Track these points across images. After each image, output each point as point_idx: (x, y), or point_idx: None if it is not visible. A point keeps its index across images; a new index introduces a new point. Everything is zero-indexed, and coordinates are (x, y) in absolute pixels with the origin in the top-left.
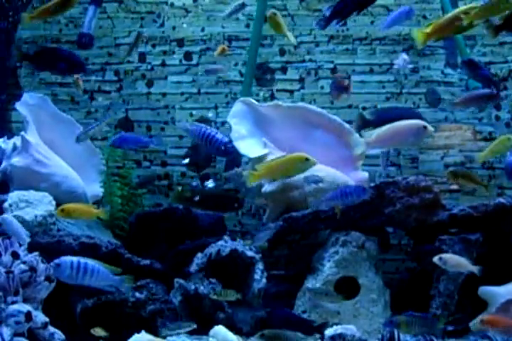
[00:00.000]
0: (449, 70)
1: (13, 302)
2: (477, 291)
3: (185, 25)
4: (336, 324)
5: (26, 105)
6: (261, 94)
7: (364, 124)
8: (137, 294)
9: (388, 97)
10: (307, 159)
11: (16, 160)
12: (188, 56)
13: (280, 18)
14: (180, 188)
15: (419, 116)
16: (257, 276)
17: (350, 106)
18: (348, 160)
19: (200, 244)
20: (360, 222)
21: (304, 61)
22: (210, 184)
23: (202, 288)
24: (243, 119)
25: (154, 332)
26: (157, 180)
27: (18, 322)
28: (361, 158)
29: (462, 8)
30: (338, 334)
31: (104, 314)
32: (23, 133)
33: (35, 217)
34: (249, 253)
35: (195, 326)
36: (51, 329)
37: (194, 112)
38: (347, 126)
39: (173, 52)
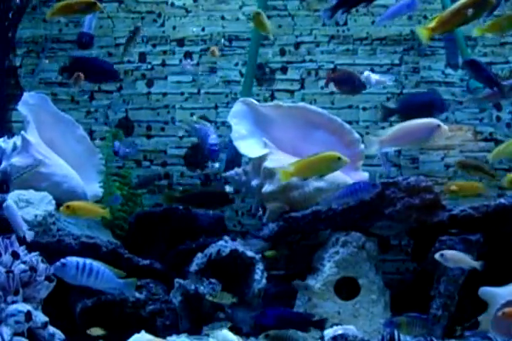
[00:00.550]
0: (449, 71)
1: (13, 302)
2: (477, 292)
3: (193, 29)
4: (336, 324)
5: (26, 105)
6: (261, 94)
7: (389, 113)
8: (137, 294)
9: (389, 97)
10: (339, 158)
11: (16, 160)
12: (188, 56)
13: (265, 17)
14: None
15: (440, 100)
16: (257, 276)
17: (350, 107)
18: None
19: (200, 244)
20: (361, 223)
21: (304, 61)
22: (227, 188)
23: (202, 288)
24: (243, 119)
25: (154, 332)
26: (157, 180)
27: (18, 322)
28: (361, 158)
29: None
30: (340, 335)
31: (104, 314)
32: (23, 132)
33: (35, 216)
34: (250, 254)
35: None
36: (51, 329)
37: (194, 112)
38: (347, 126)
39: (174, 52)
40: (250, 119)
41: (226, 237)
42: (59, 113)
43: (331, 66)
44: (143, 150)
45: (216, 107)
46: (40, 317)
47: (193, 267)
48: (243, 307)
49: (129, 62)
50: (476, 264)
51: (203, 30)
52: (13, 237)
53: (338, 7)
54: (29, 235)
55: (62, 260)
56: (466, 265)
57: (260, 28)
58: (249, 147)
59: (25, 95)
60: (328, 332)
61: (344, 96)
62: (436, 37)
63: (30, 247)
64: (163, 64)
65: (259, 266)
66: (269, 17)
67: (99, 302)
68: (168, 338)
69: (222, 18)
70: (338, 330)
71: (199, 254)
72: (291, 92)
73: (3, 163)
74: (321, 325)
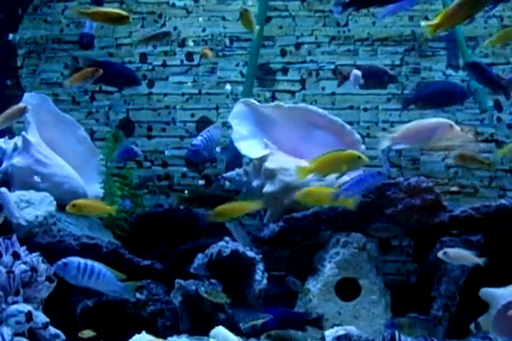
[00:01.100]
0: (450, 71)
1: (14, 303)
2: (478, 293)
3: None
4: (337, 325)
5: (27, 105)
6: (262, 94)
7: (409, 102)
8: (138, 294)
9: (389, 98)
10: (359, 157)
11: (17, 160)
12: (189, 56)
13: (252, 15)
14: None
15: (461, 88)
16: (257, 277)
17: (351, 107)
18: None
19: (200, 244)
20: (362, 223)
21: (305, 62)
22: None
23: (202, 288)
24: (244, 120)
25: (155, 333)
26: (158, 181)
27: (19, 322)
28: None
29: None
30: (344, 335)
31: (105, 314)
32: (23, 133)
33: (36, 217)
34: (250, 254)
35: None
36: (52, 329)
37: (195, 113)
38: (348, 127)
39: (174, 53)
40: (251, 120)
41: (227, 238)
42: (60, 113)
43: (332, 67)
44: (143, 150)
45: (217, 108)
46: (40, 317)
47: (194, 268)
48: (244, 307)
49: (130, 62)
50: (479, 261)
51: (204, 30)
52: (14, 238)
53: (350, 4)
54: (22, 220)
55: (64, 259)
56: (469, 262)
57: (246, 26)
58: (250, 148)
59: (26, 95)
60: (330, 333)
61: (345, 97)
62: (437, 38)
63: (31, 247)
64: (164, 64)
65: (260, 267)
66: (270, 18)
67: (100, 303)
68: (169, 338)
69: (223, 18)
70: (339, 331)
71: (200, 255)
72: (292, 93)
73: (4, 164)
74: (317, 322)
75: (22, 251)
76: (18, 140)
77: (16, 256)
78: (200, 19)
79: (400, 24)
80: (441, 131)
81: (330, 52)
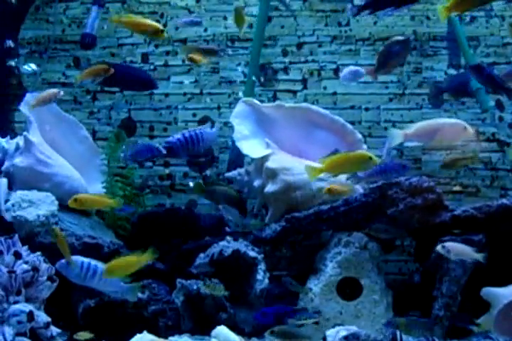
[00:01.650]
0: (452, 71)
1: (16, 302)
2: (480, 292)
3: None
4: (338, 324)
5: (29, 105)
6: (264, 94)
7: (439, 92)
8: (139, 294)
9: (391, 98)
10: (370, 158)
11: (19, 160)
12: None
13: (244, 14)
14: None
15: (493, 77)
16: (259, 277)
17: (352, 107)
18: None
19: (202, 244)
20: (363, 223)
21: (306, 61)
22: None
23: (204, 288)
24: (246, 120)
25: (156, 332)
26: (159, 181)
27: (20, 322)
28: None
29: None
30: (351, 334)
31: (106, 314)
32: (25, 133)
33: (38, 217)
34: (252, 254)
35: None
36: (53, 329)
37: (196, 113)
38: (350, 126)
39: (176, 53)
40: (252, 120)
41: (228, 237)
42: (62, 113)
43: (334, 66)
44: None
45: (219, 108)
46: (42, 317)
47: (195, 268)
48: (245, 307)
49: (131, 62)
50: (479, 256)
51: (206, 30)
52: (16, 237)
53: (366, 7)
54: (4, 213)
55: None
56: (468, 257)
57: (238, 23)
58: (252, 147)
59: (28, 95)
60: (331, 332)
61: (347, 96)
62: (438, 37)
63: (33, 247)
64: (166, 64)
65: (262, 267)
66: (271, 17)
67: (102, 303)
68: (170, 338)
69: (225, 18)
70: (341, 330)
71: (201, 254)
72: (294, 93)
73: (6, 164)
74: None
75: (24, 250)
76: (20, 140)
77: (18, 255)
78: (202, 19)
79: (401, 24)
80: (455, 133)
81: (331, 52)
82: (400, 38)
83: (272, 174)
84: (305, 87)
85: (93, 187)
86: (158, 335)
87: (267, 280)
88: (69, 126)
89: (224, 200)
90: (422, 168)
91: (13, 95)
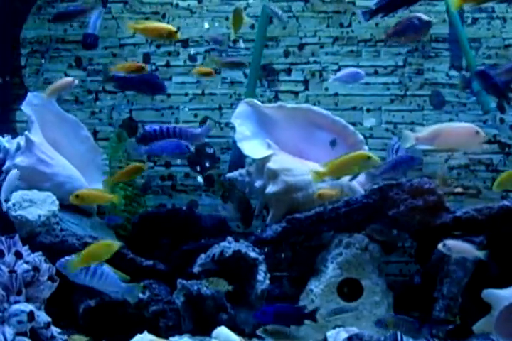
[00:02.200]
0: (453, 72)
1: (16, 302)
2: (481, 294)
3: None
4: (339, 326)
5: (30, 105)
6: (265, 95)
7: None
8: (140, 294)
9: (393, 99)
10: (369, 157)
11: (20, 160)
12: (192, 57)
13: (243, 15)
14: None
15: (497, 85)
16: (260, 277)
17: (354, 108)
18: None
19: (203, 244)
20: (364, 224)
21: (308, 63)
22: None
23: (205, 288)
24: (247, 120)
25: (157, 333)
26: (161, 181)
27: (21, 322)
28: None
29: None
30: (355, 335)
31: (107, 314)
32: (27, 132)
33: (39, 216)
34: (253, 255)
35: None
36: (54, 329)
37: (198, 113)
38: (351, 127)
39: (178, 53)
40: (254, 120)
41: (229, 238)
42: (63, 113)
43: (335, 67)
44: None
45: (220, 108)
46: (42, 317)
47: (196, 268)
48: (246, 308)
49: None
50: (480, 254)
51: (208, 31)
52: (17, 237)
53: (378, 11)
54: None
55: (68, 257)
56: (469, 254)
57: (235, 24)
58: (253, 148)
59: (30, 95)
60: (331, 334)
61: (348, 97)
62: (440, 38)
63: (34, 247)
64: (168, 65)
65: (262, 267)
66: (273, 18)
67: (102, 303)
68: (171, 339)
69: (227, 19)
70: (341, 332)
71: (202, 255)
72: (295, 93)
73: (7, 163)
74: (313, 316)
75: (24, 250)
76: (21, 139)
77: (19, 255)
78: (204, 19)
79: None
80: (467, 137)
81: (333, 53)
82: (424, 16)
83: (273, 175)
84: (307, 88)
85: (94, 187)
86: (159, 336)
87: (267, 281)
88: (70, 126)
89: (236, 201)
90: (422, 169)
91: (15, 95)
